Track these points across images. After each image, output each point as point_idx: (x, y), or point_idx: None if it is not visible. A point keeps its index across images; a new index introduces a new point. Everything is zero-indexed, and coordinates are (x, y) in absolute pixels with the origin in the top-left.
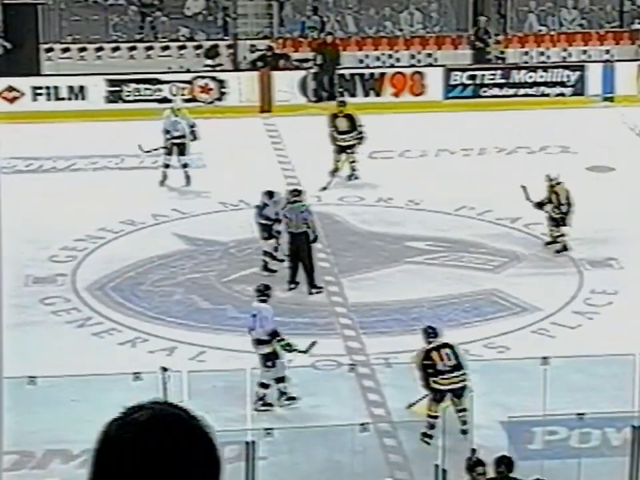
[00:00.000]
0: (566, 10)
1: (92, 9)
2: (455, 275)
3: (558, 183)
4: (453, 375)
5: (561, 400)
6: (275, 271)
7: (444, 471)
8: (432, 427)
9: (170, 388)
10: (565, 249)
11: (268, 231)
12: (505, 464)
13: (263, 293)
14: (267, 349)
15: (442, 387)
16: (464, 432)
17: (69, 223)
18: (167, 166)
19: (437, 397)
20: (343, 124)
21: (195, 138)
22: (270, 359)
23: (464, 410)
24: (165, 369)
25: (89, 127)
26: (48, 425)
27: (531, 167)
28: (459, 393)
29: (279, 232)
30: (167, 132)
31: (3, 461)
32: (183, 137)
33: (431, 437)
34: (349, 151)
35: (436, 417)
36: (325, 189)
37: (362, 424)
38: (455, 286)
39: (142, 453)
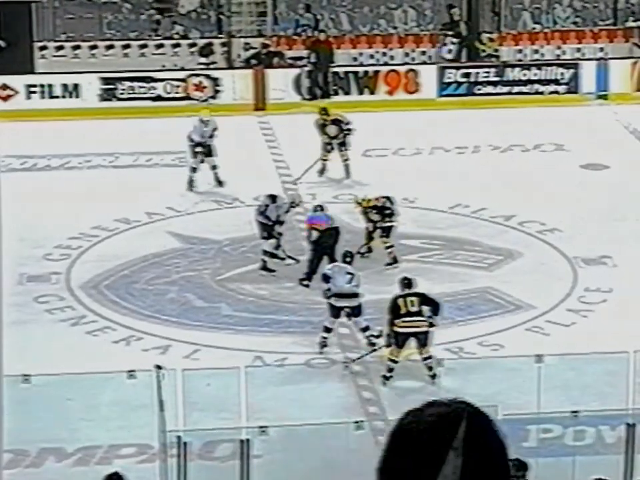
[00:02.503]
0: (560, 8)
1: (86, 7)
2: (450, 272)
3: (369, 201)
4: (412, 319)
5: (555, 398)
6: (274, 270)
7: None
8: (390, 370)
9: (164, 386)
10: (395, 260)
11: (268, 231)
12: (516, 466)
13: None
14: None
15: (402, 330)
16: (432, 377)
17: (63, 221)
18: (194, 170)
19: (399, 341)
20: (332, 130)
21: (212, 137)
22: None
23: (429, 357)
24: (159, 367)
25: (83, 125)
26: (42, 424)
27: (525, 164)
28: (422, 340)
29: (280, 233)
30: (192, 139)
31: (2, 460)
32: (208, 138)
33: (388, 378)
34: (342, 149)
35: (396, 362)
36: (297, 179)
37: (356, 422)
38: (449, 284)
39: (432, 446)
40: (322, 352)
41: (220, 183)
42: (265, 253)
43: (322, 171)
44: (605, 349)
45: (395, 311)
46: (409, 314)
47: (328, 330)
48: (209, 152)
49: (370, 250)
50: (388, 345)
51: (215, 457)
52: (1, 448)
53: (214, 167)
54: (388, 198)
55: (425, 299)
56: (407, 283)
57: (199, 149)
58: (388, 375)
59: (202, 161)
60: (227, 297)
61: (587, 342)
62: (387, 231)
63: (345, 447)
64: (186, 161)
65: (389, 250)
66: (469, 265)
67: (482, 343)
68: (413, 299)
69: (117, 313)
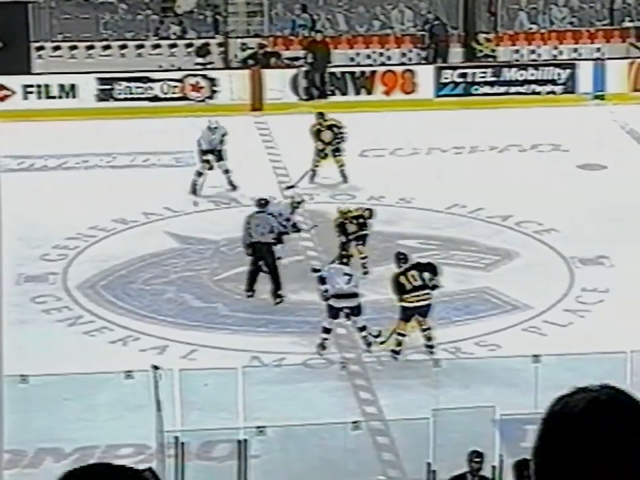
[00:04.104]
0: (556, 8)
1: (82, 7)
2: (447, 272)
3: (349, 212)
4: (418, 292)
5: (552, 398)
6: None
7: (434, 472)
8: (399, 344)
9: (161, 386)
10: (366, 272)
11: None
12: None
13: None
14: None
15: (410, 305)
16: (430, 347)
17: (61, 222)
18: (200, 174)
19: (406, 315)
20: (327, 135)
21: (221, 141)
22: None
23: (428, 329)
24: (156, 368)
25: (80, 125)
26: (40, 424)
27: (522, 164)
28: (424, 312)
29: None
30: (200, 145)
31: (3, 460)
32: (217, 145)
33: (398, 352)
34: (337, 154)
35: (404, 335)
36: (291, 187)
37: (354, 422)
38: (447, 284)
39: (585, 430)
40: (321, 353)
41: (233, 186)
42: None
43: (313, 177)
44: (602, 349)
45: (399, 288)
46: (415, 289)
47: (327, 331)
48: (219, 157)
49: (349, 257)
50: (382, 342)
51: (213, 457)
52: (1, 448)
53: (226, 171)
54: (369, 210)
55: (421, 267)
56: (402, 258)
57: (206, 157)
58: (397, 349)
59: (211, 168)
60: (224, 297)
61: (584, 342)
62: (362, 240)
63: (343, 447)
64: (183, 161)
65: (364, 261)
66: (466, 265)
67: (479, 343)
68: (413, 272)
69: (114, 313)
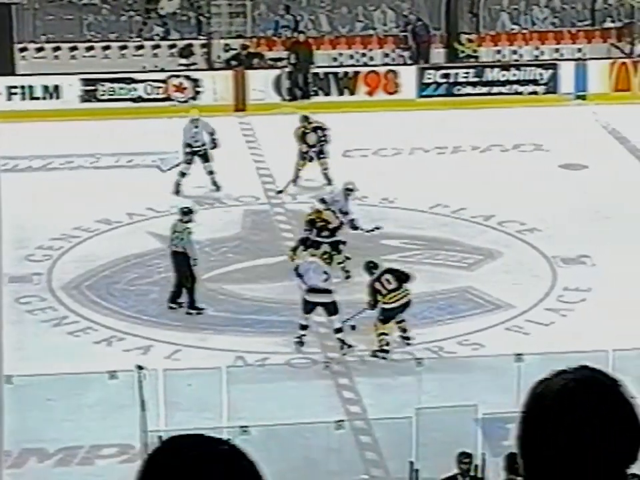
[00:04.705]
0: (538, 9)
1: (66, 8)
2: (430, 272)
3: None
4: (395, 293)
5: None
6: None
7: (416, 471)
8: (387, 343)
9: (145, 386)
10: (348, 276)
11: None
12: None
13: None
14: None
15: (391, 305)
16: (407, 338)
17: (45, 222)
18: (183, 175)
19: (387, 316)
20: (312, 138)
21: (215, 146)
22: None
23: (403, 321)
24: (140, 368)
25: (64, 126)
26: (24, 424)
27: (505, 164)
28: (403, 310)
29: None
30: (188, 145)
31: (2, 459)
32: (203, 145)
33: (387, 352)
34: (321, 156)
35: (387, 334)
36: (281, 192)
37: (337, 421)
38: (430, 283)
39: (562, 412)
40: (300, 350)
41: (217, 187)
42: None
43: (295, 180)
44: (584, 348)
45: (377, 294)
46: (392, 291)
47: (303, 327)
48: (205, 158)
49: (331, 256)
50: (349, 346)
51: None
52: (1, 448)
53: (210, 172)
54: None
55: (393, 272)
56: (372, 266)
57: (188, 149)
58: (387, 348)
59: (190, 161)
60: (208, 297)
61: (566, 341)
62: (335, 247)
63: (326, 447)
64: (167, 162)
65: (342, 265)
66: (449, 264)
67: (462, 342)
68: (387, 276)
69: (99, 314)
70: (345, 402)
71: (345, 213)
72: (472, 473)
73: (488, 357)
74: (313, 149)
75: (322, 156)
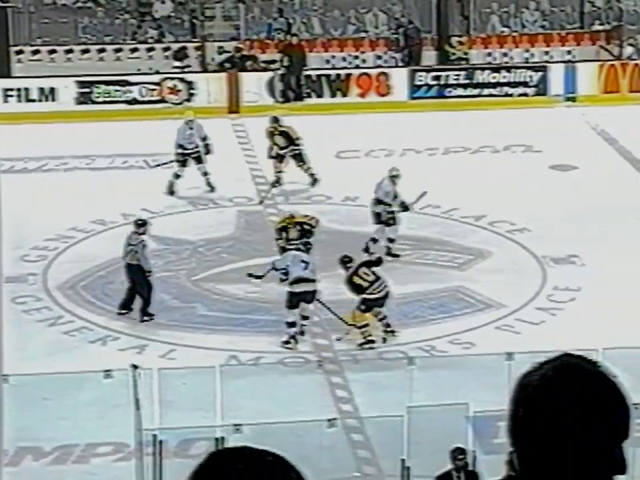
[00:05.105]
0: (527, 12)
1: (61, 11)
2: (421, 272)
3: (292, 217)
4: (375, 285)
5: None
6: (398, 256)
7: (408, 468)
8: (370, 334)
9: (140, 385)
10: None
11: (378, 218)
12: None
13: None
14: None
15: (373, 297)
16: (392, 332)
17: (40, 223)
18: (177, 176)
19: (367, 306)
20: (280, 141)
21: (208, 152)
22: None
23: (385, 317)
24: (135, 367)
25: (60, 128)
26: (20, 423)
27: (495, 165)
28: (383, 303)
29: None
30: (181, 146)
31: (2, 459)
32: (196, 147)
33: (374, 341)
34: (300, 163)
35: (367, 325)
36: (262, 202)
37: (329, 420)
38: (421, 283)
39: (544, 398)
40: (292, 348)
41: (212, 188)
42: (389, 240)
43: (276, 183)
44: (574, 347)
45: (357, 288)
46: (372, 283)
47: (292, 325)
48: (198, 160)
49: (308, 243)
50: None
51: (191, 454)
52: (1, 448)
53: (205, 173)
54: (315, 219)
55: (368, 263)
56: (347, 260)
57: (180, 151)
58: (372, 338)
59: (184, 164)
60: (202, 297)
61: (556, 340)
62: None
63: (319, 445)
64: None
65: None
66: (440, 264)
67: (453, 341)
68: (364, 269)
69: (94, 313)
70: (337, 400)
71: (395, 197)
72: (470, 468)
73: (479, 355)
74: (284, 151)
75: (300, 163)
